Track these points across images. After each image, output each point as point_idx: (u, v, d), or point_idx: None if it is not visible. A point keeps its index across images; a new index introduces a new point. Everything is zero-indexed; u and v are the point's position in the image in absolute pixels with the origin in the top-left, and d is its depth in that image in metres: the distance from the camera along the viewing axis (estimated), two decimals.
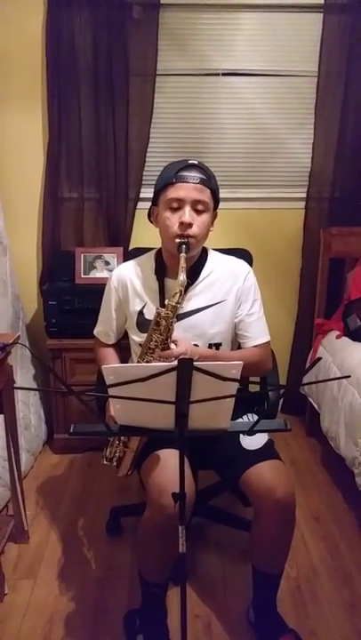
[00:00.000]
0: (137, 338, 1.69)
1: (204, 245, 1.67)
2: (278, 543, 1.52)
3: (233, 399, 1.15)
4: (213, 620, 1.68)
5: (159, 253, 1.70)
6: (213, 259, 1.70)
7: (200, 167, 1.57)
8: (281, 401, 2.75)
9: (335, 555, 1.95)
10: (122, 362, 1.79)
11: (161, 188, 1.58)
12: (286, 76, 2.61)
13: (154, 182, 1.64)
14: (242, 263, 1.72)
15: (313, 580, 1.84)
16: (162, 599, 1.57)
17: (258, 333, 1.69)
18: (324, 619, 1.68)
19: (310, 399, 2.57)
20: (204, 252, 1.69)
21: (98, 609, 1.72)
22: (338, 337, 2.47)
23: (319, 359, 1.47)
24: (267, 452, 1.54)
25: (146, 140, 2.57)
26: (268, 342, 1.71)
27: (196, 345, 1.61)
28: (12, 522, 1.97)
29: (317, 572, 1.87)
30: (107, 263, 2.57)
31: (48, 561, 1.92)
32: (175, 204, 1.55)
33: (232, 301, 1.66)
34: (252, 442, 1.55)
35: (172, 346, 1.52)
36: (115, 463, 1.61)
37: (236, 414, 1.33)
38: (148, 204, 1.67)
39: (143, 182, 2.61)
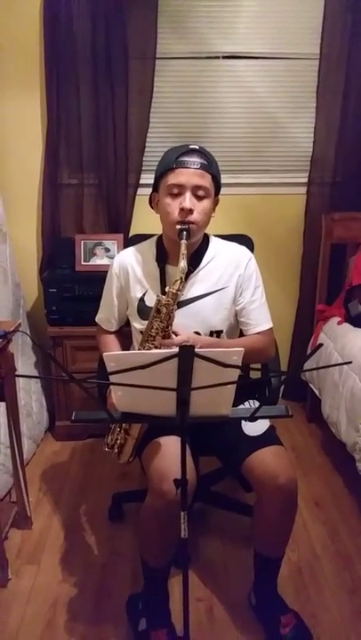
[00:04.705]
0: (138, 325, 1.68)
1: (206, 232, 1.66)
2: (280, 528, 1.53)
3: (234, 386, 1.14)
4: (215, 603, 1.70)
5: (160, 240, 1.69)
6: (215, 245, 1.69)
7: (201, 152, 1.56)
8: (282, 387, 2.77)
9: (336, 539, 1.97)
10: (123, 349, 1.79)
11: (161, 173, 1.57)
12: (287, 59, 2.57)
13: (154, 168, 1.63)
14: (243, 250, 1.71)
15: (314, 564, 1.85)
16: (164, 583, 1.59)
17: (260, 320, 1.68)
18: (325, 602, 1.70)
19: (311, 385, 2.58)
20: (206, 239, 1.68)
21: (101, 594, 1.74)
22: (339, 323, 2.46)
23: (320, 345, 1.47)
24: (269, 438, 1.55)
25: (146, 124, 2.54)
26: (270, 329, 1.70)
27: (197, 333, 1.61)
28: (15, 508, 1.98)
29: (318, 556, 1.89)
30: (107, 250, 2.56)
31: (51, 547, 1.94)
32: (176, 190, 1.53)
33: (233, 288, 1.65)
34: (254, 428, 1.55)
35: (173, 336, 1.51)
36: (116, 450, 1.61)
37: (238, 401, 1.33)
38: (149, 190, 1.66)
39: (143, 168, 2.59)
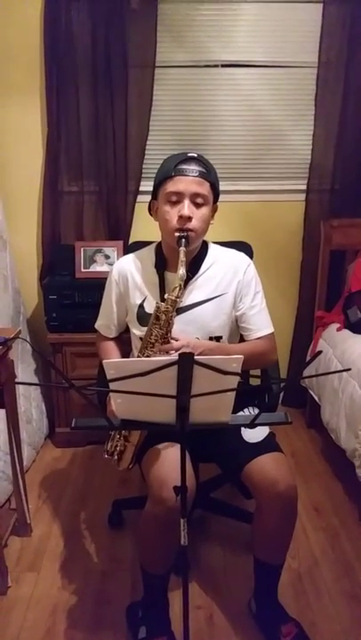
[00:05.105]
0: (138, 332, 1.69)
1: (205, 239, 1.67)
2: (280, 535, 1.53)
3: (234, 393, 1.15)
4: (215, 610, 1.69)
5: (159, 247, 1.70)
6: (214, 252, 1.70)
7: (199, 160, 1.57)
8: (282, 394, 2.77)
9: (336, 545, 1.97)
10: (123, 355, 1.80)
11: (160, 181, 1.58)
12: (286, 67, 2.59)
13: (153, 175, 1.64)
14: (242, 256, 1.72)
15: (314, 571, 1.85)
16: (164, 591, 1.58)
17: (261, 325, 1.68)
18: (325, 609, 1.70)
19: (311, 391, 2.58)
20: (205, 246, 1.69)
21: (100, 601, 1.74)
22: (338, 329, 2.47)
23: (320, 352, 1.47)
24: (268, 445, 1.55)
25: (145, 132, 2.56)
26: (271, 334, 1.71)
27: (197, 338, 1.61)
28: (15, 515, 1.98)
29: (318, 563, 1.88)
30: (107, 257, 2.57)
31: (51, 554, 1.94)
32: (174, 198, 1.54)
33: (232, 294, 1.66)
34: (254, 435, 1.55)
35: (173, 343, 1.52)
36: (116, 457, 1.62)
37: (238, 407, 1.33)
38: (148, 197, 1.67)
39: (143, 175, 2.60)
